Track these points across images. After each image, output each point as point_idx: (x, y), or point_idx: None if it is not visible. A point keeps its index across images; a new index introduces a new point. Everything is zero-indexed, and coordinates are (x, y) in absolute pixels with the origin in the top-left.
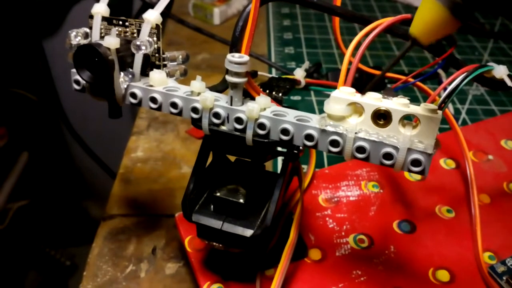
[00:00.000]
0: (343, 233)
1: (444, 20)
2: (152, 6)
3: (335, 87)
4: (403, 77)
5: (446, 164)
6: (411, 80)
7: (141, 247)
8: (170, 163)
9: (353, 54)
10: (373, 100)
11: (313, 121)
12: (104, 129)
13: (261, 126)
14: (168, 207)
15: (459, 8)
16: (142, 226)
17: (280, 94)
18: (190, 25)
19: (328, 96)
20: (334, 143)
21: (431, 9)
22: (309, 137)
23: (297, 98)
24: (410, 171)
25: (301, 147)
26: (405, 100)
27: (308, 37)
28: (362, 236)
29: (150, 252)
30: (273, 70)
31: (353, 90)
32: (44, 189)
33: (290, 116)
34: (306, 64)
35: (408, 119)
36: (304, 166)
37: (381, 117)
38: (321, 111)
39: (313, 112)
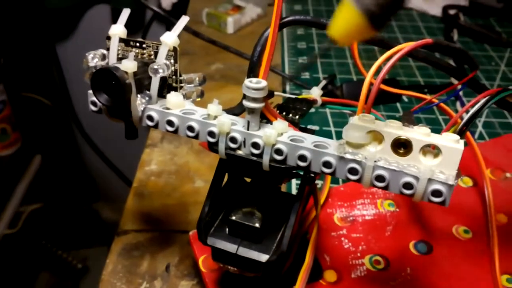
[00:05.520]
0: (358, 254)
1: (362, 27)
2: (162, 15)
3: (352, 106)
4: (424, 96)
5: (463, 182)
6: (435, 101)
7: (154, 264)
8: (184, 177)
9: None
10: (394, 128)
11: (331, 148)
12: (116, 133)
13: (278, 151)
14: (182, 223)
15: (375, 17)
16: (156, 242)
17: (297, 117)
18: (204, 37)
19: (345, 114)
20: (353, 171)
21: (350, 15)
22: (327, 164)
23: (311, 110)
24: (430, 201)
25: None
26: (426, 129)
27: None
28: (378, 257)
29: (164, 269)
30: (287, 82)
31: (373, 117)
32: (56, 192)
33: (308, 141)
34: (323, 83)
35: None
36: (319, 182)
37: (401, 146)
38: (335, 123)
39: (327, 124)
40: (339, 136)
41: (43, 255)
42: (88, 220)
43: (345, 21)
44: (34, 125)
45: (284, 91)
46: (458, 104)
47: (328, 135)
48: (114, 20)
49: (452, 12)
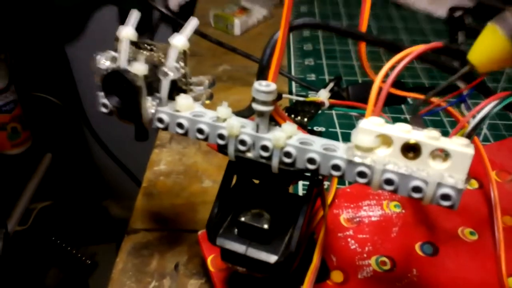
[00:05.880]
0: (365, 255)
1: (508, 54)
2: (169, 16)
3: (359, 108)
4: (431, 99)
5: (469, 184)
6: (443, 104)
7: (163, 263)
8: (192, 177)
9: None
10: (403, 132)
11: (340, 151)
12: (125, 132)
13: (287, 154)
14: (190, 222)
15: None
16: (165, 241)
17: (305, 120)
18: (211, 39)
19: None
20: (362, 174)
21: (495, 41)
22: (336, 167)
23: None
24: (439, 205)
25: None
26: (436, 133)
27: (328, 48)
28: (384, 258)
29: (173, 268)
30: (293, 83)
31: (382, 120)
32: (66, 189)
33: (317, 145)
34: (331, 85)
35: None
36: (325, 183)
37: (411, 150)
38: (341, 124)
39: (333, 126)
40: (345, 137)
41: (53, 251)
42: (97, 217)
43: (489, 47)
44: (44, 124)
45: (290, 93)
46: (463, 106)
47: (334, 136)
48: (122, 21)
49: (457, 13)
